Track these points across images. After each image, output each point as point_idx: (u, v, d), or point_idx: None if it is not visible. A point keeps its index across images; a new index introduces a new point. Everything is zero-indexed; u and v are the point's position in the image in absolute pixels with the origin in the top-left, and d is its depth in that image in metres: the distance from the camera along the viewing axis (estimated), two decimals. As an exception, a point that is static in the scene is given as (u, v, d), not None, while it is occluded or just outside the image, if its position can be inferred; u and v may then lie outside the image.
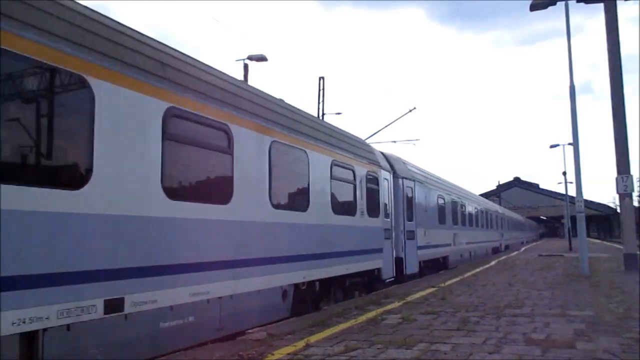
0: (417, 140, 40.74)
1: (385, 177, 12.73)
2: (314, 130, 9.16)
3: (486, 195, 64.43)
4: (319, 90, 28.42)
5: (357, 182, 10.75)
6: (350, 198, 10.52)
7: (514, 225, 45.04)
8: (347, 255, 9.91)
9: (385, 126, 28.04)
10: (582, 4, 15.48)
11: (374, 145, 14.93)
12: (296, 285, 8.08)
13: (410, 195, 14.72)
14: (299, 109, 9.24)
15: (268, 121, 7.55)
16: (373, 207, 11.57)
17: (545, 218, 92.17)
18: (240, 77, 19.89)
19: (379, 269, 11.72)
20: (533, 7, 15.54)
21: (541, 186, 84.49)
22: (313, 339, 5.77)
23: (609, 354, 4.78)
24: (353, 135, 11.82)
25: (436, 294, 9.93)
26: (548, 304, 8.24)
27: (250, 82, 19.20)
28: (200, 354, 5.33)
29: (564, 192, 41.30)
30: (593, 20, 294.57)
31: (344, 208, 10.04)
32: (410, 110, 25.48)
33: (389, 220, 12.68)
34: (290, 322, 7.13)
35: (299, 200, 8.46)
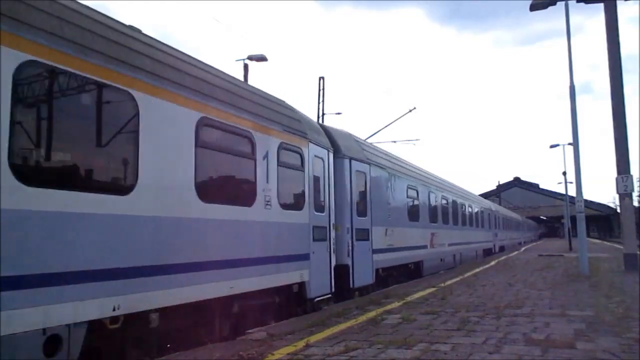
0: (417, 140, 41.04)
1: (317, 154, 9.35)
2: (156, 63, 5.74)
3: (486, 195, 64.46)
4: (319, 90, 28.48)
5: (259, 157, 7.44)
6: (244, 180, 7.27)
7: (510, 224, 42.63)
8: (231, 267, 6.62)
9: (385, 126, 28.12)
10: (582, 4, 15.49)
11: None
12: (95, 323, 4.69)
13: (363, 183, 11.40)
14: (131, 28, 5.83)
15: (21, 27, 4.17)
16: (293, 196, 8.52)
17: (545, 218, 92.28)
18: (241, 77, 19.89)
19: (301, 284, 8.42)
20: (533, 7, 15.56)
21: (541, 186, 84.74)
22: (313, 339, 5.77)
23: (609, 354, 4.78)
24: (255, 88, 8.41)
25: (436, 294, 9.93)
26: (548, 304, 8.25)
27: (250, 82, 19.19)
28: (200, 354, 5.33)
29: (564, 192, 41.34)
30: (593, 20, 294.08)
31: (227, 194, 6.85)
32: (410, 110, 25.63)
33: (324, 214, 9.41)
34: (290, 322, 7.14)
35: (111, 175, 5.28)
